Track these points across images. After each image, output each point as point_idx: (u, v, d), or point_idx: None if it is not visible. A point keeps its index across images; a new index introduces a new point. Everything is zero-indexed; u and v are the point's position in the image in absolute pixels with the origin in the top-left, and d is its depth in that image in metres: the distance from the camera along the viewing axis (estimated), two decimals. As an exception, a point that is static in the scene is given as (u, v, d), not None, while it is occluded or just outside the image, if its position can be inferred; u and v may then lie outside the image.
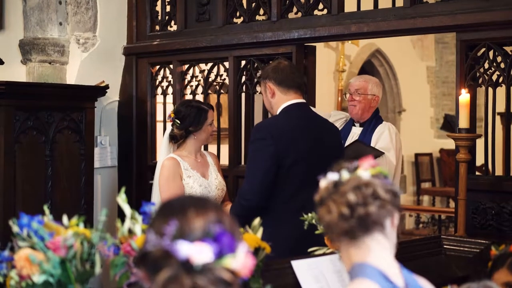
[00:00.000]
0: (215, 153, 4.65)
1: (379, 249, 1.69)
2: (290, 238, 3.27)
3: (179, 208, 1.38)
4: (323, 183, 1.75)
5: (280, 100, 3.53)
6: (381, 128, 4.31)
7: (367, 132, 4.31)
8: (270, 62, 4.73)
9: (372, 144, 4.21)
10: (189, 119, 3.98)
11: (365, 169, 1.72)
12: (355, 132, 4.35)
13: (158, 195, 3.99)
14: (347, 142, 4.25)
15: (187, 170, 3.94)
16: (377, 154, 4.02)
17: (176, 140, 4.04)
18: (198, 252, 1.29)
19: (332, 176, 1.74)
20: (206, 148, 4.66)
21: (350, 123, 4.45)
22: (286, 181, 3.40)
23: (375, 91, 4.39)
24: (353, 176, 1.71)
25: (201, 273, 1.29)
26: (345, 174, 1.72)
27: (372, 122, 4.35)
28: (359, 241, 1.69)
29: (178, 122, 4.00)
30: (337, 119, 4.49)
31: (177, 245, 1.30)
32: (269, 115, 3.90)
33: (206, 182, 3.98)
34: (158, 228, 1.35)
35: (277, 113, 3.55)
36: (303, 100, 3.59)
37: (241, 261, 1.31)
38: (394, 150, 4.18)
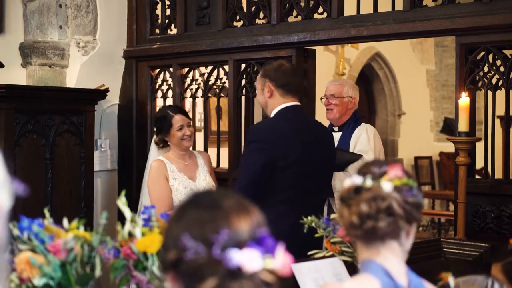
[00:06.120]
0: (215, 155, 4.64)
1: (389, 253, 1.70)
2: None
3: (223, 215, 1.32)
4: (348, 182, 1.72)
5: (277, 101, 3.55)
6: (359, 130, 4.23)
7: (345, 136, 4.26)
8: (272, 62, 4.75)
9: (351, 148, 4.15)
10: (157, 126, 4.11)
11: (390, 179, 1.67)
12: (335, 137, 4.26)
13: (147, 196, 4.07)
14: None
15: (173, 173, 4.00)
16: (355, 158, 3.98)
17: (159, 145, 4.17)
18: (249, 260, 1.26)
19: (357, 180, 1.70)
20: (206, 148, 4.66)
21: (329, 129, 4.29)
22: (276, 183, 3.42)
23: (351, 93, 4.32)
24: (375, 185, 1.67)
25: (247, 278, 1.27)
26: (369, 181, 1.68)
27: (350, 125, 4.27)
28: (371, 245, 1.70)
29: (155, 129, 4.15)
30: None
31: (229, 254, 1.26)
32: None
33: (193, 184, 4.02)
34: (202, 236, 1.30)
35: (272, 114, 3.57)
36: (299, 103, 3.61)
37: (280, 260, 1.29)
38: (372, 152, 4.12)
